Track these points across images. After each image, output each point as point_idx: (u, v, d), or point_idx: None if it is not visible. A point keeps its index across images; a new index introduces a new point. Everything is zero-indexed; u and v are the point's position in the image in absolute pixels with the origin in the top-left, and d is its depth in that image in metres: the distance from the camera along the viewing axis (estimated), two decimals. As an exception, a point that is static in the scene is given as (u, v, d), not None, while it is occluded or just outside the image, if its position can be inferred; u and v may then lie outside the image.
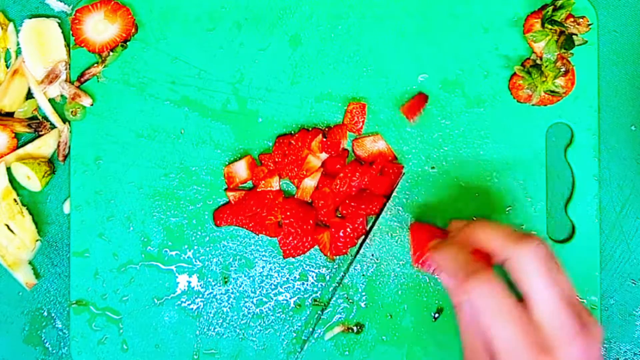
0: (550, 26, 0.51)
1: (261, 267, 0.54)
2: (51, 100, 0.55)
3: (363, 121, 0.53)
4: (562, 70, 0.51)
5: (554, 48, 0.51)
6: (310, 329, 0.52)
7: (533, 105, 0.53)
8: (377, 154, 0.53)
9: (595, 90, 0.53)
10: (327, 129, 0.53)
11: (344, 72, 0.54)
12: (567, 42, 0.50)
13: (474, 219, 0.46)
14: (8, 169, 0.54)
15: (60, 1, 0.56)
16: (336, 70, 0.54)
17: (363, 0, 0.54)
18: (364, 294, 0.53)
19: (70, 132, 0.54)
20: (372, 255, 0.53)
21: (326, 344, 0.53)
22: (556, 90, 0.51)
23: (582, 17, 0.51)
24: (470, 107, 0.53)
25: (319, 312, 0.52)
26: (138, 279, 0.54)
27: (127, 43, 0.54)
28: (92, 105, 0.54)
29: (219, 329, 0.54)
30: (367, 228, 0.53)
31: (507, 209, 0.53)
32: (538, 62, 0.52)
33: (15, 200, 0.54)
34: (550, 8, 0.51)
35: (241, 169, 0.53)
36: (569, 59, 0.51)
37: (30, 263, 0.55)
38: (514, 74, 0.53)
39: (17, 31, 0.55)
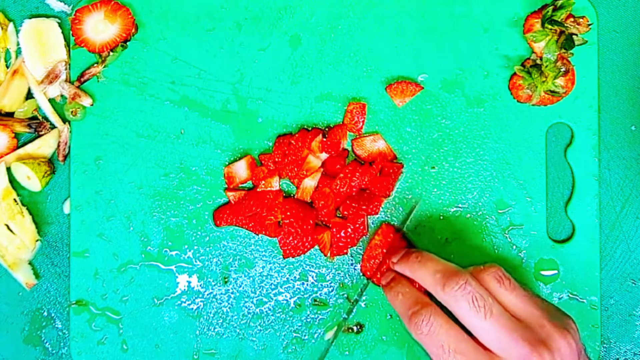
0: (550, 26, 0.51)
1: (261, 267, 0.54)
2: (51, 100, 0.55)
3: (363, 121, 0.53)
4: (562, 70, 0.51)
5: (554, 48, 0.51)
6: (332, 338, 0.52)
7: (533, 105, 0.53)
8: (377, 154, 0.53)
9: (595, 90, 0.53)
10: (327, 129, 0.53)
11: (344, 72, 0.54)
12: (567, 42, 0.50)
13: (418, 250, 0.49)
14: (8, 169, 0.54)
15: (60, 1, 0.56)
16: (336, 70, 0.54)
17: (363, 0, 0.54)
18: (364, 294, 0.53)
19: (70, 132, 0.54)
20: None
21: (326, 344, 0.53)
22: (556, 90, 0.51)
23: (582, 17, 0.51)
24: (470, 107, 0.53)
25: (346, 325, 0.52)
26: (138, 279, 0.54)
27: (127, 43, 0.54)
28: (92, 105, 0.54)
29: (219, 329, 0.54)
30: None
31: (507, 209, 0.53)
32: (538, 62, 0.52)
33: (15, 200, 0.54)
34: (550, 8, 0.51)
35: (241, 169, 0.53)
36: (569, 59, 0.51)
37: (30, 263, 0.55)
38: (514, 74, 0.53)
39: (17, 31, 0.55)
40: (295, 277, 0.54)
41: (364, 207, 0.51)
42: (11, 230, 0.54)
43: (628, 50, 0.55)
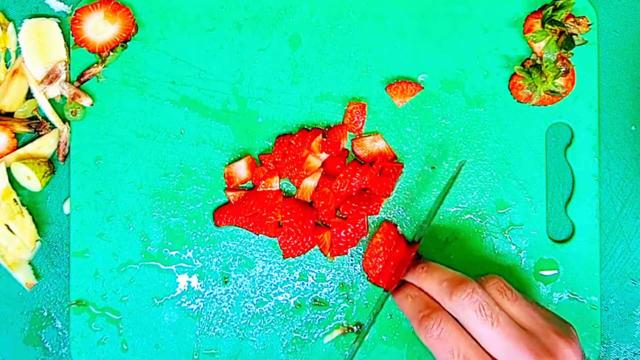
0: (550, 26, 0.51)
1: (261, 267, 0.54)
2: (51, 100, 0.55)
3: (363, 121, 0.53)
4: (562, 70, 0.51)
5: (554, 48, 0.51)
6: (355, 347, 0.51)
7: (533, 105, 0.53)
8: (377, 154, 0.53)
9: (595, 90, 0.53)
10: (327, 129, 0.53)
11: (344, 72, 0.54)
12: (567, 42, 0.50)
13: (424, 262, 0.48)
14: (8, 169, 0.54)
15: (60, 1, 0.56)
16: (336, 70, 0.54)
17: (363, 0, 0.54)
18: (364, 294, 0.53)
19: (70, 132, 0.54)
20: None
21: (326, 344, 0.53)
22: (556, 90, 0.51)
23: (582, 17, 0.51)
24: (470, 107, 0.53)
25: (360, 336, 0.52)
26: (138, 279, 0.54)
27: (127, 43, 0.54)
28: (92, 105, 0.54)
29: (219, 329, 0.54)
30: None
31: (507, 209, 0.53)
32: (538, 62, 0.52)
33: (15, 200, 0.54)
34: (550, 8, 0.51)
35: (241, 169, 0.53)
36: (569, 59, 0.51)
37: (30, 263, 0.55)
38: (514, 74, 0.53)
39: (17, 31, 0.55)
40: (295, 277, 0.54)
41: (364, 207, 0.51)
42: (11, 230, 0.54)
43: (628, 50, 0.55)
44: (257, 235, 0.53)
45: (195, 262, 0.54)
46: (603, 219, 0.54)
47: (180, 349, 0.53)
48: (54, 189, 0.55)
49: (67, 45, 0.55)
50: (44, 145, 0.55)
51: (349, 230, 0.52)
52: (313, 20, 0.54)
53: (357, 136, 0.54)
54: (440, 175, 0.53)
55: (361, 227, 0.52)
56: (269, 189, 0.53)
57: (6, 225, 0.54)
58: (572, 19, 0.51)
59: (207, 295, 0.54)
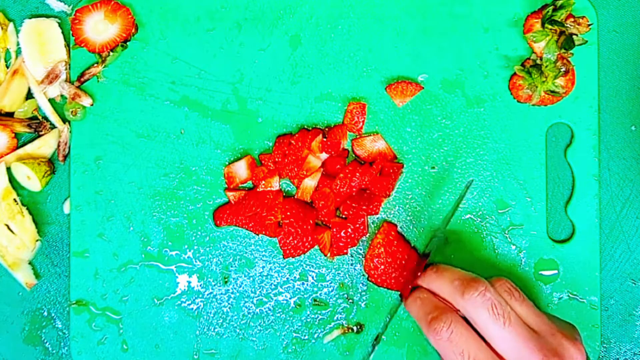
0: (550, 26, 0.51)
1: (261, 267, 0.54)
2: (51, 100, 0.55)
3: (363, 121, 0.53)
4: (562, 70, 0.51)
5: (554, 48, 0.51)
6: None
7: (533, 105, 0.53)
8: (377, 154, 0.53)
9: (595, 90, 0.53)
10: (327, 129, 0.53)
11: (344, 72, 0.54)
12: (567, 42, 0.50)
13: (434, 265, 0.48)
14: (8, 169, 0.54)
15: (60, 1, 0.56)
16: (336, 70, 0.54)
17: (363, 0, 0.54)
18: (364, 294, 0.53)
19: (70, 132, 0.54)
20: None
21: (326, 344, 0.53)
22: (556, 90, 0.51)
23: (582, 17, 0.51)
24: (470, 107, 0.53)
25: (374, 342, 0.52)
26: (138, 279, 0.54)
27: (127, 43, 0.54)
28: (92, 105, 0.54)
29: (219, 329, 0.54)
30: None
31: (507, 209, 0.53)
32: (538, 62, 0.52)
33: (15, 200, 0.54)
34: (550, 8, 0.51)
35: (241, 169, 0.53)
36: (569, 59, 0.51)
37: (30, 263, 0.55)
38: (514, 74, 0.53)
39: (17, 31, 0.55)
40: (295, 277, 0.54)
41: (364, 207, 0.51)
42: (11, 230, 0.54)
43: (628, 50, 0.55)
44: (257, 235, 0.53)
45: (195, 262, 0.54)
46: (603, 219, 0.54)
47: (180, 349, 0.53)
48: (54, 189, 0.55)
49: (67, 45, 0.55)
50: (44, 145, 0.55)
51: (349, 230, 0.52)
52: (313, 20, 0.54)
53: (357, 136, 0.54)
54: (440, 175, 0.53)
55: (361, 227, 0.52)
56: (269, 189, 0.53)
57: (6, 225, 0.54)
58: (572, 19, 0.51)
59: (207, 295, 0.54)
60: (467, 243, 0.53)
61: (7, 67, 0.55)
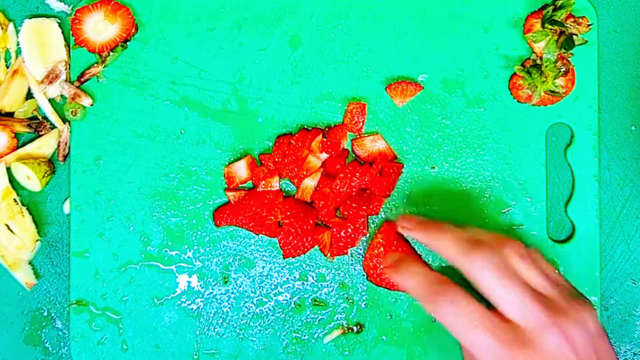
0: (550, 26, 0.51)
1: (261, 267, 0.54)
2: (51, 100, 0.55)
3: (363, 121, 0.53)
4: (562, 70, 0.51)
5: (554, 48, 0.51)
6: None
7: (533, 105, 0.53)
8: (377, 154, 0.53)
9: (595, 90, 0.53)
10: (327, 129, 0.53)
11: (344, 72, 0.54)
12: (567, 42, 0.50)
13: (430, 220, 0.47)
14: (8, 169, 0.54)
15: (60, 1, 0.56)
16: (336, 70, 0.54)
17: (363, 0, 0.54)
18: (364, 294, 0.53)
19: (70, 132, 0.54)
20: (372, 255, 0.53)
21: (326, 344, 0.53)
22: (556, 90, 0.51)
23: (582, 17, 0.51)
24: (470, 107, 0.53)
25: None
26: (138, 279, 0.54)
27: (127, 43, 0.54)
28: (92, 105, 0.54)
29: (219, 329, 0.54)
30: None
31: (507, 209, 0.53)
32: (538, 62, 0.52)
33: (15, 200, 0.54)
34: (550, 8, 0.51)
35: (241, 169, 0.53)
36: (569, 59, 0.51)
37: (30, 263, 0.55)
38: (514, 74, 0.53)
39: (17, 31, 0.55)
40: (295, 277, 0.54)
41: (364, 207, 0.51)
42: (11, 230, 0.54)
43: (628, 50, 0.55)
44: (257, 235, 0.53)
45: (195, 262, 0.54)
46: (603, 219, 0.54)
47: (180, 349, 0.53)
48: (54, 189, 0.55)
49: (67, 45, 0.55)
50: (44, 145, 0.55)
51: (349, 230, 0.52)
52: (313, 20, 0.54)
53: (357, 136, 0.54)
54: (440, 175, 0.53)
55: (361, 227, 0.52)
56: (269, 189, 0.53)
57: (6, 225, 0.54)
58: (572, 19, 0.51)
59: (207, 295, 0.54)
60: (467, 243, 0.53)
61: (7, 67, 0.55)
